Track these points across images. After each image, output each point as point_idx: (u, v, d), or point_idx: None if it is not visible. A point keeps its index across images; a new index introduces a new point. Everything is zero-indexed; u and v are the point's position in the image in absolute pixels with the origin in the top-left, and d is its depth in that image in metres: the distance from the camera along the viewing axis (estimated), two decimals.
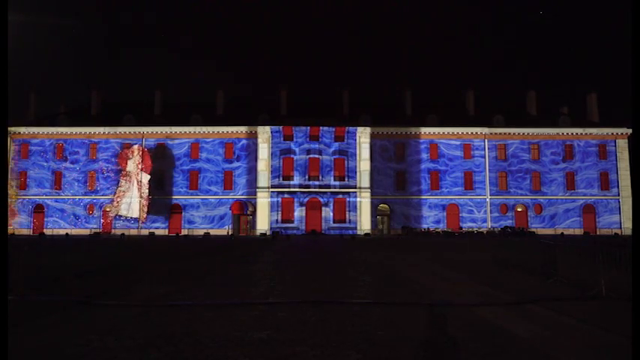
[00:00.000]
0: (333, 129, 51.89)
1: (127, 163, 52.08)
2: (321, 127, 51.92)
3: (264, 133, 52.12)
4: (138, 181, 51.80)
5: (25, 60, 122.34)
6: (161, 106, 58.60)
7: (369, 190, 51.65)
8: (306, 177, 51.86)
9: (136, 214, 52.02)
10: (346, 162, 51.96)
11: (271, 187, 51.43)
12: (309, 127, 51.96)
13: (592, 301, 9.34)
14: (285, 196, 51.62)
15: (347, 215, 51.60)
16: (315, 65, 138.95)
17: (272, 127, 52.09)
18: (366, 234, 49.74)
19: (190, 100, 62.87)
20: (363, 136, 52.21)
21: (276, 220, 51.15)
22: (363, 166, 51.74)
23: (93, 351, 5.79)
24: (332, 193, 51.66)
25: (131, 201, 51.86)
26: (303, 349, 5.86)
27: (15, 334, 6.46)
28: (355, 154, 51.88)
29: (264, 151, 51.66)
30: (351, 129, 52.10)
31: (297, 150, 52.06)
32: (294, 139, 52.01)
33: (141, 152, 52.52)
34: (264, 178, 51.53)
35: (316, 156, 51.98)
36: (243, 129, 54.16)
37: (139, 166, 51.94)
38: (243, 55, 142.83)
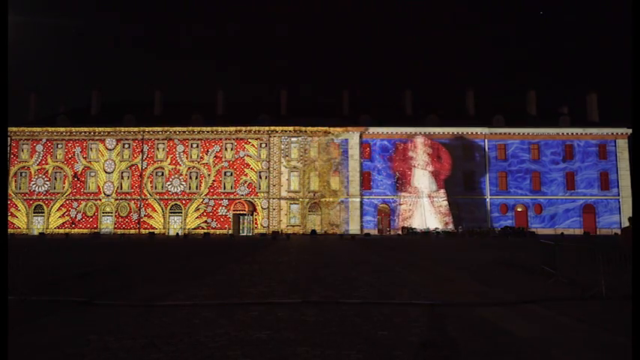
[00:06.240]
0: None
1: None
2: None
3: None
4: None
5: (25, 60, 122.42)
6: (161, 106, 58.61)
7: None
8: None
9: None
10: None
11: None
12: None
13: (592, 301, 9.34)
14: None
15: (341, 217, 52.56)
16: (315, 65, 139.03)
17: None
18: (366, 234, 49.73)
19: (190, 100, 62.74)
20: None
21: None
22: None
23: (93, 351, 5.79)
24: (330, 197, 52.89)
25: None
26: (303, 349, 5.85)
27: (15, 334, 6.46)
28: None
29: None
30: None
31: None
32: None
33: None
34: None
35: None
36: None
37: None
38: (244, 56, 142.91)
